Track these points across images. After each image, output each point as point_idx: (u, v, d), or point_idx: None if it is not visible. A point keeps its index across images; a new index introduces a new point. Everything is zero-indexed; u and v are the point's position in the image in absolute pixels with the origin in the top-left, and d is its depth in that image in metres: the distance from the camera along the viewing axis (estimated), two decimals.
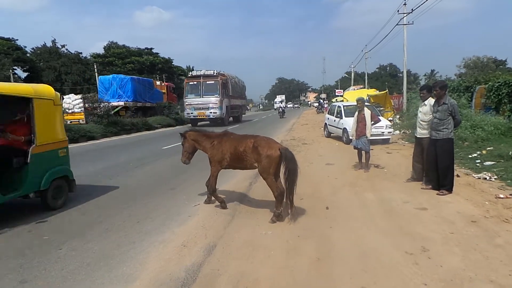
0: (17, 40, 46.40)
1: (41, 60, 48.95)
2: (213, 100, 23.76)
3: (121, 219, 5.04)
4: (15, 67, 43.51)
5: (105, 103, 20.50)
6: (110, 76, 27.45)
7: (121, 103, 24.77)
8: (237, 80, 29.90)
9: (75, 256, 3.84)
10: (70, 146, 14.45)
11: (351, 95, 22.63)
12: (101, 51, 55.29)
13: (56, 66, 47.18)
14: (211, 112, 23.68)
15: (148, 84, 29.50)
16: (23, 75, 47.72)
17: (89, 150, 13.13)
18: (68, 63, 48.08)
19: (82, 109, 20.42)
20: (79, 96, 21.80)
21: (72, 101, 20.57)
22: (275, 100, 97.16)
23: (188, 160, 5.59)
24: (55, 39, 51.14)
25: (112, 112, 21.49)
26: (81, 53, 52.63)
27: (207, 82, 24.04)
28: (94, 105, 19.81)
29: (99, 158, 10.75)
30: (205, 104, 23.77)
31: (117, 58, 52.48)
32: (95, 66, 45.28)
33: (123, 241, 4.24)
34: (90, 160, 10.32)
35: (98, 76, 33.74)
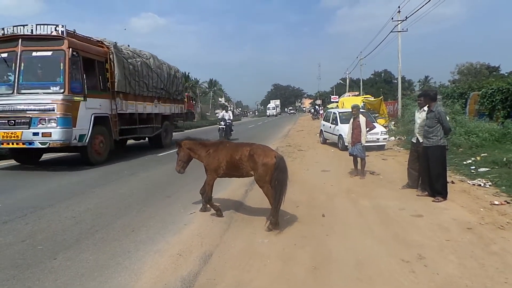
0: None
1: None
2: (43, 100, 9.48)
3: (116, 228, 4.99)
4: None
5: None
6: None
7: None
8: (152, 63, 14.24)
9: (69, 267, 3.79)
10: (66, 153, 14.36)
11: (348, 101, 22.80)
12: None
13: None
14: (36, 133, 9.36)
15: None
16: None
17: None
18: None
19: None
20: None
21: None
22: (268, 105, 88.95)
23: (183, 170, 5.56)
24: None
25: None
26: None
27: (34, 54, 9.87)
28: None
29: (94, 165, 10.67)
30: (20, 111, 9.57)
31: None
32: None
33: (118, 251, 4.20)
34: (84, 167, 10.24)
35: None
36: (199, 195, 5.67)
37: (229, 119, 17.60)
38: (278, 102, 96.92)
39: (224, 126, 17.33)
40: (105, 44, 11.73)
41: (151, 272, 3.64)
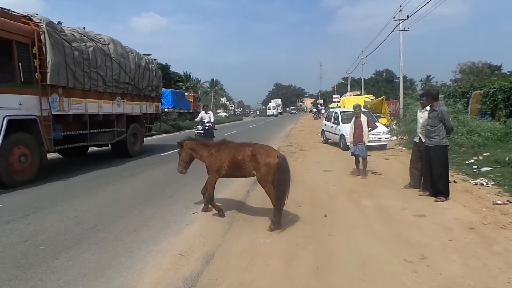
0: None
1: None
2: None
3: (118, 228, 5.00)
4: None
5: None
6: None
7: (165, 109, 31.05)
8: (112, 50, 11.45)
9: (71, 266, 3.80)
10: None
11: (349, 100, 22.79)
12: None
13: None
14: None
15: (181, 95, 38.27)
16: None
17: (85, 157, 13.04)
18: None
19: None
20: None
21: None
22: (268, 105, 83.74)
23: (185, 170, 5.55)
24: None
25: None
26: None
27: None
28: None
29: (95, 165, 10.69)
30: None
31: None
32: None
33: (120, 251, 4.20)
34: (85, 168, 10.25)
35: None
36: (201, 195, 5.68)
37: (209, 122, 13.53)
38: (279, 101, 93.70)
39: (203, 131, 13.31)
40: (33, 21, 8.53)
41: (153, 272, 3.64)
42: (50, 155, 10.87)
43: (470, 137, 10.96)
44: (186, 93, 42.65)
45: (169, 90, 35.99)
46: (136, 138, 13.14)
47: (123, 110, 12.12)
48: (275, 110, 77.11)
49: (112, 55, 11.32)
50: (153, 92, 14.38)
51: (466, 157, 9.43)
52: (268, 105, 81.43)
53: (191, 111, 40.35)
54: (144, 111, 13.85)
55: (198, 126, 14.09)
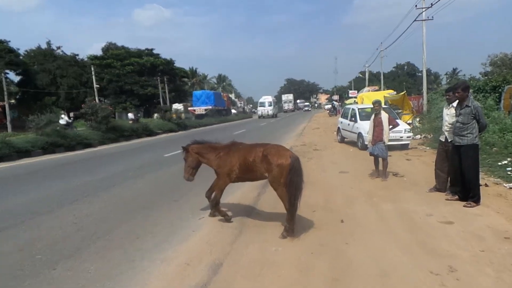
0: (9, 42, 46.86)
1: (35, 63, 49.56)
2: None
3: (119, 235, 5.02)
4: (7, 71, 43.88)
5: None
6: (201, 91, 50.62)
7: (209, 107, 45.06)
8: None
9: (70, 277, 3.82)
10: (67, 154, 14.58)
11: (368, 96, 22.56)
12: (99, 53, 56.08)
13: (51, 69, 47.75)
14: None
15: (219, 95, 52.31)
16: (16, 79, 48.33)
17: (85, 159, 13.23)
18: (63, 65, 48.65)
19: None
20: (182, 104, 43.15)
21: (178, 107, 42.70)
22: (261, 100, 53.63)
23: (192, 177, 5.54)
24: (49, 41, 51.71)
25: (205, 112, 43.27)
26: (77, 55, 53.14)
27: None
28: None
29: (97, 167, 10.81)
30: None
31: (115, 59, 53.06)
32: (92, 69, 45.87)
33: (121, 260, 4.21)
34: (86, 170, 10.37)
35: (95, 79, 44.84)
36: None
37: None
38: (291, 96, 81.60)
39: None
40: None
41: (157, 283, 3.64)
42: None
43: (502, 136, 10.69)
44: (222, 93, 58.26)
45: (212, 92, 50.59)
46: None
47: None
48: (271, 108, 51.48)
49: None
50: None
51: (499, 158, 9.21)
52: (261, 100, 53.77)
53: (225, 108, 53.13)
54: None
55: None
